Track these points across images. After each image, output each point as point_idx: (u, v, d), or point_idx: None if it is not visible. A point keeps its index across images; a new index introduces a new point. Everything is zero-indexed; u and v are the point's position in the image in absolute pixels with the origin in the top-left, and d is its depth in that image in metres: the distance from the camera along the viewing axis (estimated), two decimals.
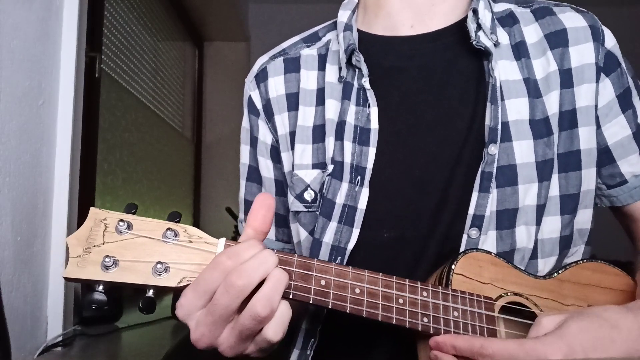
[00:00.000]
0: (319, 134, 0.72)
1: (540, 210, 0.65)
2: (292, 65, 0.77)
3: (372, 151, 0.68)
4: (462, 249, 0.64)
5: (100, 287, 0.51)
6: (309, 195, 0.71)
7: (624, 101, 0.69)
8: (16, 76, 1.06)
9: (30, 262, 1.11)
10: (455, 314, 0.57)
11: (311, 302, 0.53)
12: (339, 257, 0.67)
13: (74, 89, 1.24)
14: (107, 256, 0.50)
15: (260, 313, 0.48)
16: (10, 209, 1.04)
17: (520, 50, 0.69)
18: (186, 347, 1.21)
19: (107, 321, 1.42)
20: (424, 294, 0.57)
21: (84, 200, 1.50)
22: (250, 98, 0.80)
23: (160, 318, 1.56)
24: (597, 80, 0.67)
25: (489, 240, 0.64)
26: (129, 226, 0.52)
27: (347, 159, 0.69)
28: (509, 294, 0.60)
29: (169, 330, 1.48)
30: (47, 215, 1.19)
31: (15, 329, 1.05)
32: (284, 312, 0.50)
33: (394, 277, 0.56)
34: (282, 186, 0.78)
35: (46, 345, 1.15)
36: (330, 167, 0.69)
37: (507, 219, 0.64)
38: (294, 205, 0.72)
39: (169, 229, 0.53)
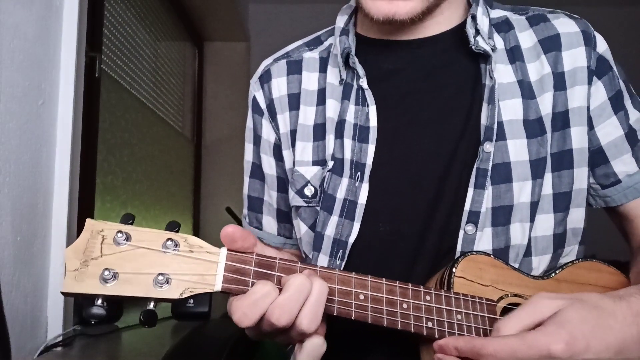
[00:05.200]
0: (319, 132, 0.75)
1: (534, 207, 0.66)
2: (295, 67, 0.80)
3: (371, 148, 0.70)
4: (458, 244, 0.65)
5: (100, 301, 0.49)
6: (309, 191, 0.73)
7: (616, 103, 0.71)
8: (16, 76, 1.06)
9: (30, 262, 1.11)
10: (459, 317, 0.57)
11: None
12: (341, 250, 0.69)
13: (74, 89, 1.24)
14: (106, 269, 0.49)
15: (308, 331, 0.50)
16: (10, 209, 1.04)
17: (515, 54, 0.71)
18: (186, 347, 1.21)
19: (107, 321, 1.42)
20: (427, 298, 0.57)
21: (84, 200, 1.50)
22: (254, 98, 0.82)
23: (160, 318, 1.56)
24: (590, 83, 0.69)
25: (485, 237, 0.65)
26: (128, 237, 0.51)
27: (347, 156, 0.71)
28: (509, 295, 0.60)
29: (169, 330, 1.48)
30: (47, 215, 1.19)
31: (15, 329, 1.05)
32: (318, 344, 0.52)
33: (397, 282, 0.57)
34: (283, 183, 0.81)
35: (46, 345, 1.15)
36: (330, 164, 0.72)
37: (502, 216, 0.66)
38: (295, 200, 0.74)
39: (169, 239, 0.52)
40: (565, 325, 0.50)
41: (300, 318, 0.50)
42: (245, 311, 0.50)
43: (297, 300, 0.50)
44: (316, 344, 0.52)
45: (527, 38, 0.72)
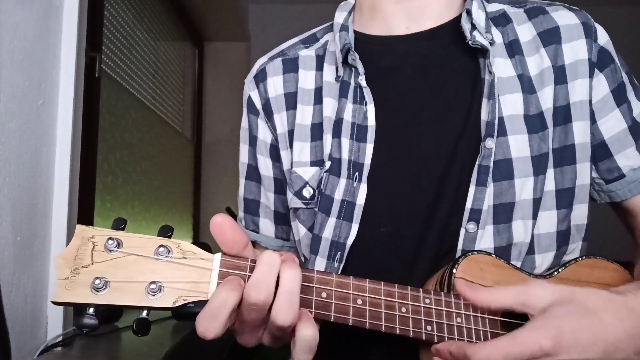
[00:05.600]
0: (317, 132, 0.73)
1: (537, 204, 0.65)
2: (291, 66, 0.78)
3: (369, 147, 0.69)
4: (460, 243, 0.64)
5: (91, 310, 0.48)
6: (307, 192, 0.72)
7: (619, 96, 0.69)
8: (16, 76, 1.06)
9: (30, 262, 1.11)
10: (459, 319, 0.56)
11: (312, 315, 0.52)
12: (339, 252, 0.68)
13: (74, 89, 1.24)
14: (97, 277, 0.47)
15: (284, 324, 0.48)
16: (10, 209, 1.04)
17: (513, 48, 0.70)
18: (186, 347, 1.21)
19: (107, 321, 1.42)
20: (427, 301, 0.56)
21: (84, 200, 1.50)
22: (249, 98, 0.80)
23: (160, 318, 1.56)
24: (591, 76, 0.68)
25: (487, 235, 0.64)
26: (119, 244, 0.49)
27: (345, 156, 0.69)
28: None
29: (169, 330, 1.48)
30: (47, 215, 1.18)
31: (15, 329, 1.05)
32: (309, 335, 0.50)
33: (396, 285, 0.56)
34: (281, 184, 0.79)
35: (46, 345, 1.15)
36: (327, 164, 0.70)
37: (504, 213, 0.65)
38: (293, 202, 0.73)
39: (161, 245, 0.50)
40: (553, 320, 0.50)
41: (274, 311, 0.48)
42: (205, 326, 0.48)
43: (269, 273, 0.48)
44: (306, 336, 0.50)
45: (525, 31, 0.71)
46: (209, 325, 0.48)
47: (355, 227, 0.67)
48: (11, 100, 1.05)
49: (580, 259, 0.64)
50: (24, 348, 1.10)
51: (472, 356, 0.50)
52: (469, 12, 0.70)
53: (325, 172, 0.70)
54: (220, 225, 0.50)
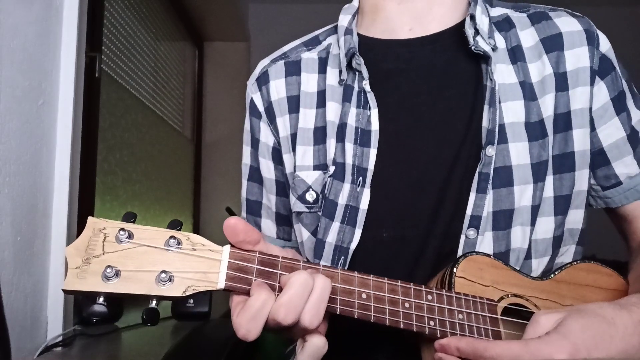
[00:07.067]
0: (320, 135, 0.73)
1: (535, 211, 0.66)
2: (293, 68, 0.78)
3: (373, 152, 0.69)
4: (460, 249, 0.65)
5: (101, 299, 0.49)
6: (310, 196, 0.72)
7: (618, 104, 0.70)
8: (16, 76, 1.06)
9: (30, 262, 1.11)
10: (460, 316, 0.57)
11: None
12: (342, 257, 0.68)
13: (74, 89, 1.24)
14: (108, 266, 0.49)
15: (309, 326, 0.50)
16: (10, 209, 1.04)
17: (516, 54, 0.70)
18: (186, 347, 1.21)
19: (107, 321, 1.42)
20: (429, 297, 0.57)
21: (84, 200, 1.50)
22: (252, 100, 0.80)
23: (160, 318, 1.56)
24: (592, 84, 0.68)
25: (486, 241, 0.65)
26: (130, 235, 0.51)
27: (349, 160, 0.69)
28: (509, 295, 0.60)
29: (169, 330, 1.48)
30: (47, 215, 1.19)
31: (15, 329, 1.05)
32: (319, 344, 0.52)
33: (399, 281, 0.57)
34: (282, 186, 0.79)
35: (46, 345, 1.15)
36: (331, 169, 0.70)
37: (503, 220, 0.65)
38: (296, 206, 0.73)
39: (171, 237, 0.52)
40: (568, 336, 0.50)
41: (303, 314, 0.50)
42: (248, 327, 0.50)
43: (302, 297, 0.50)
44: (317, 345, 0.51)
45: (528, 37, 0.71)
46: (252, 327, 0.50)
47: (358, 232, 0.68)
48: (11, 100, 1.05)
49: (575, 262, 0.65)
50: (24, 348, 1.10)
51: (483, 352, 0.50)
52: (472, 17, 0.70)
53: (329, 176, 0.70)
54: (233, 228, 0.53)
